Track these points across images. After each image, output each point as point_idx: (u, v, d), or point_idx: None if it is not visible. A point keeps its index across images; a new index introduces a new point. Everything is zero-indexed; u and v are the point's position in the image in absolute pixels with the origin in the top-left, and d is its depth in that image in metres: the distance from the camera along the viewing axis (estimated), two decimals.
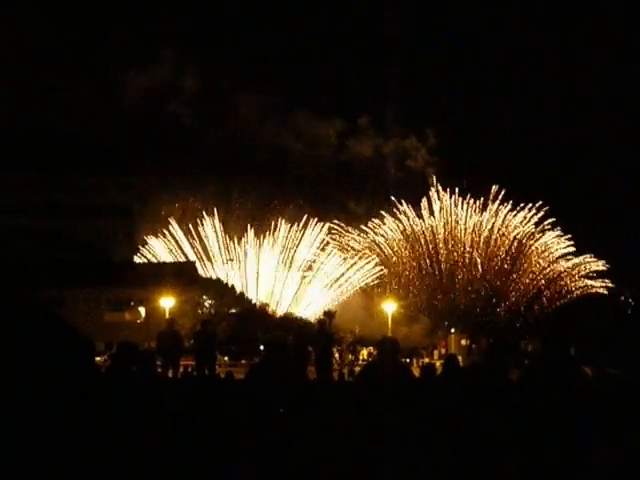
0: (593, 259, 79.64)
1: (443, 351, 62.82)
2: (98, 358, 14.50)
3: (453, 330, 68.88)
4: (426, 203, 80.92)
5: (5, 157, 64.94)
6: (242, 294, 70.62)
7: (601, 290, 78.56)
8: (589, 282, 79.40)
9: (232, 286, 71.02)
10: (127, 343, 8.85)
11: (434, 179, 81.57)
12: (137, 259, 74.24)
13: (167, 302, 51.79)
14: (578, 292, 78.90)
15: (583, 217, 75.71)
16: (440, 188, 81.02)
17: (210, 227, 77.86)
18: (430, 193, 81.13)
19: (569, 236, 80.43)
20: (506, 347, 9.02)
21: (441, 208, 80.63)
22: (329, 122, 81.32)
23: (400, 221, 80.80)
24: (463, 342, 64.54)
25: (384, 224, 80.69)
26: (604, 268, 78.93)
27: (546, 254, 79.90)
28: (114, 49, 78.06)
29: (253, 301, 71.61)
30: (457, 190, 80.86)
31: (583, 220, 75.41)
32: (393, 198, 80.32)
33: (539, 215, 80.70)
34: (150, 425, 7.56)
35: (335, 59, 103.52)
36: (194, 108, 77.57)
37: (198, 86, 78.54)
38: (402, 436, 7.52)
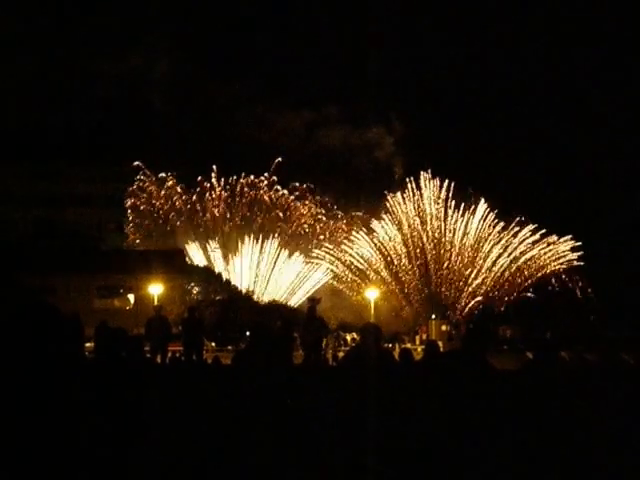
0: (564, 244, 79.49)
1: (424, 337, 62.97)
2: (88, 344, 14.41)
3: (434, 316, 69.01)
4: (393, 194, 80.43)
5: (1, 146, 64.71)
6: (228, 281, 70.60)
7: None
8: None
9: (219, 273, 71.03)
10: (115, 329, 8.82)
11: (400, 171, 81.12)
12: (126, 247, 74.18)
13: (155, 289, 51.83)
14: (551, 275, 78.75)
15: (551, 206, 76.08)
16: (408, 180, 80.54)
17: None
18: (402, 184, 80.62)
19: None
20: (485, 333, 9.03)
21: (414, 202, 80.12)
22: (297, 112, 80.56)
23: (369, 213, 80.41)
24: (444, 328, 64.70)
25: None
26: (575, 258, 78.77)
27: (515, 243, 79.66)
28: (94, 39, 77.67)
29: (239, 288, 71.64)
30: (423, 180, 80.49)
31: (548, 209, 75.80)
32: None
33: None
34: (139, 410, 7.52)
35: (305, 50, 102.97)
36: (169, 97, 77.09)
37: (173, 76, 78.19)
38: (386, 419, 7.51)
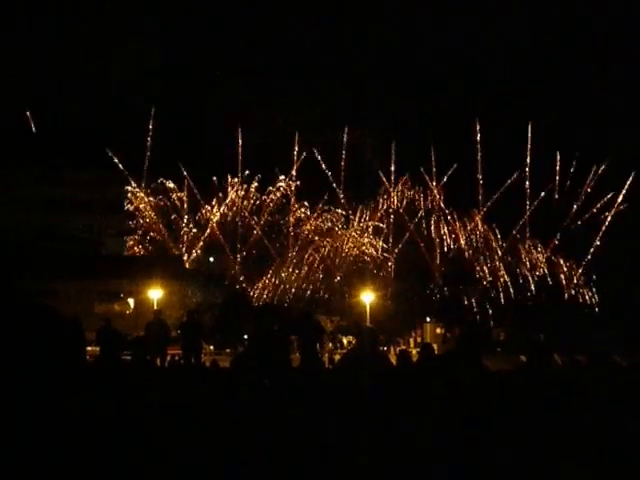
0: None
1: (419, 340, 62.92)
2: (89, 348, 14.40)
3: (428, 319, 68.83)
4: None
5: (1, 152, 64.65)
6: (229, 284, 70.45)
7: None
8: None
9: (219, 276, 70.77)
10: (115, 333, 8.80)
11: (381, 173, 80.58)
12: (126, 252, 74.11)
13: (155, 293, 51.86)
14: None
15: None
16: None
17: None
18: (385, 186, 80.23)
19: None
20: (478, 335, 9.03)
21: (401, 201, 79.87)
22: (280, 113, 79.64)
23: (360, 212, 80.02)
24: (438, 330, 64.61)
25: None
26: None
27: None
28: (91, 41, 77.25)
29: (239, 290, 71.39)
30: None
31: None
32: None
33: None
34: (139, 412, 7.50)
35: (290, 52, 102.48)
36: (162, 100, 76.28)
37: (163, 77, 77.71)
38: (384, 419, 7.49)
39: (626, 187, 77.81)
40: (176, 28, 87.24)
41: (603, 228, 77.11)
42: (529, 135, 78.31)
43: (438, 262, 77.94)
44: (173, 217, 78.68)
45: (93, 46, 77.81)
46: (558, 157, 78.90)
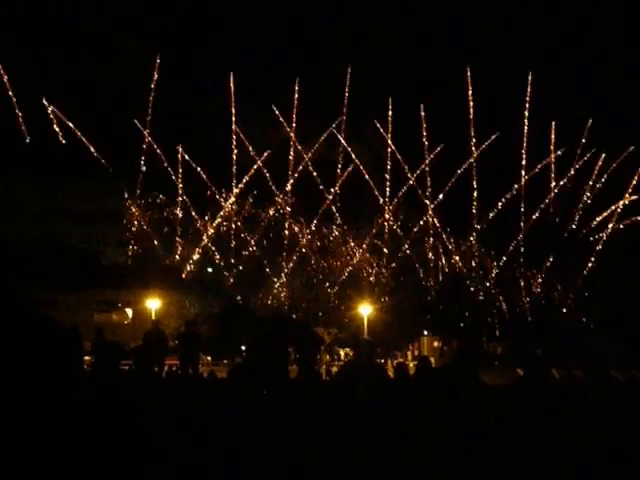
0: None
1: (416, 353, 62.82)
2: (87, 357, 14.39)
3: (426, 332, 68.73)
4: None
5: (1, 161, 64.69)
6: (226, 295, 70.31)
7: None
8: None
9: (217, 287, 70.65)
10: (113, 343, 8.81)
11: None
12: (125, 262, 73.97)
13: (153, 304, 51.79)
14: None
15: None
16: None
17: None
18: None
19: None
20: (475, 349, 9.01)
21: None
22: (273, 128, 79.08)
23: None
24: (435, 344, 64.55)
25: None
26: None
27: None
28: (88, 48, 77.10)
29: (238, 300, 71.27)
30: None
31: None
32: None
33: None
34: (138, 421, 7.49)
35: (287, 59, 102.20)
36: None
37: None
38: (381, 431, 7.48)
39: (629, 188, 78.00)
40: (176, 28, 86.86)
41: (599, 247, 77.21)
42: (525, 146, 78.42)
43: (433, 279, 77.94)
44: (165, 230, 78.55)
45: (93, 46, 77.47)
46: (554, 167, 79.10)
